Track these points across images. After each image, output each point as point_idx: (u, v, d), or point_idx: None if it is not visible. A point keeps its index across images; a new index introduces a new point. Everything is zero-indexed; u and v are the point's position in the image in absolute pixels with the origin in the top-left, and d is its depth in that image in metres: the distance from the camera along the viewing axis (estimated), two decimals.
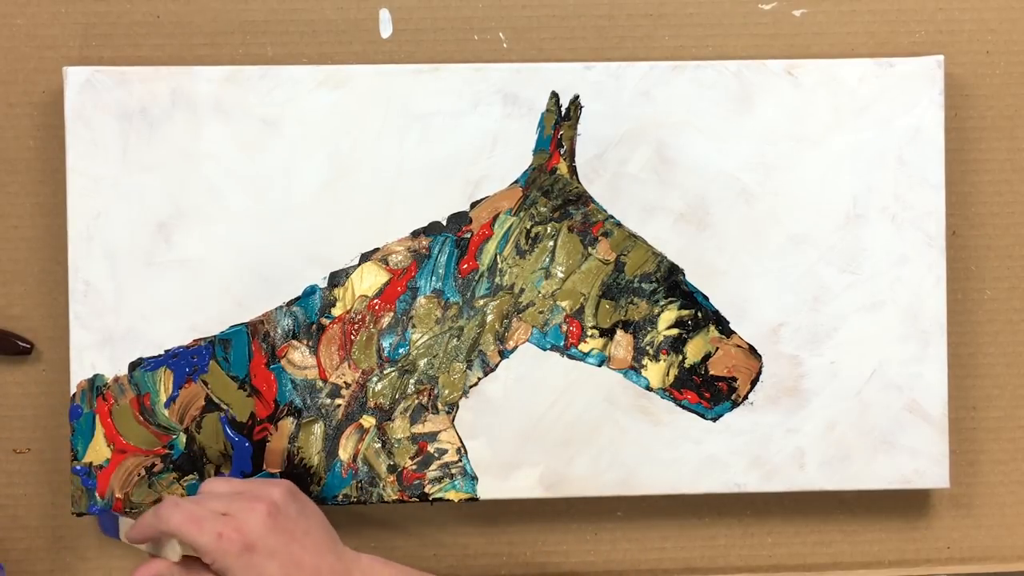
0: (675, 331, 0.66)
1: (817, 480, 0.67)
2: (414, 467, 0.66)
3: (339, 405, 0.65)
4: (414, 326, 0.65)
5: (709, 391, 0.66)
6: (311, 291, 0.65)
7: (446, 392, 0.66)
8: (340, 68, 0.65)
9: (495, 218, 0.66)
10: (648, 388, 0.66)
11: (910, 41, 0.69)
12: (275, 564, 0.55)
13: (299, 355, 0.65)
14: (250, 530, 0.55)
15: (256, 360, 0.65)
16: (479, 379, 0.66)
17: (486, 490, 0.66)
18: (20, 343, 0.67)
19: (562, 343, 0.66)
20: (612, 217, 0.66)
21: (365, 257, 0.65)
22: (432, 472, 0.66)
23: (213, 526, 0.55)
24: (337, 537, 0.60)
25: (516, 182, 0.66)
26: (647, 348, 0.66)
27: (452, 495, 0.66)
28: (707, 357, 0.66)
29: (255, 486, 0.59)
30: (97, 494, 0.65)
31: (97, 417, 0.65)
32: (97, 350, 0.64)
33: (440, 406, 0.66)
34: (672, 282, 0.66)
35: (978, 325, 0.70)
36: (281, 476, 0.65)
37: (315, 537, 0.58)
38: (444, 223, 0.66)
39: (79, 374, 0.64)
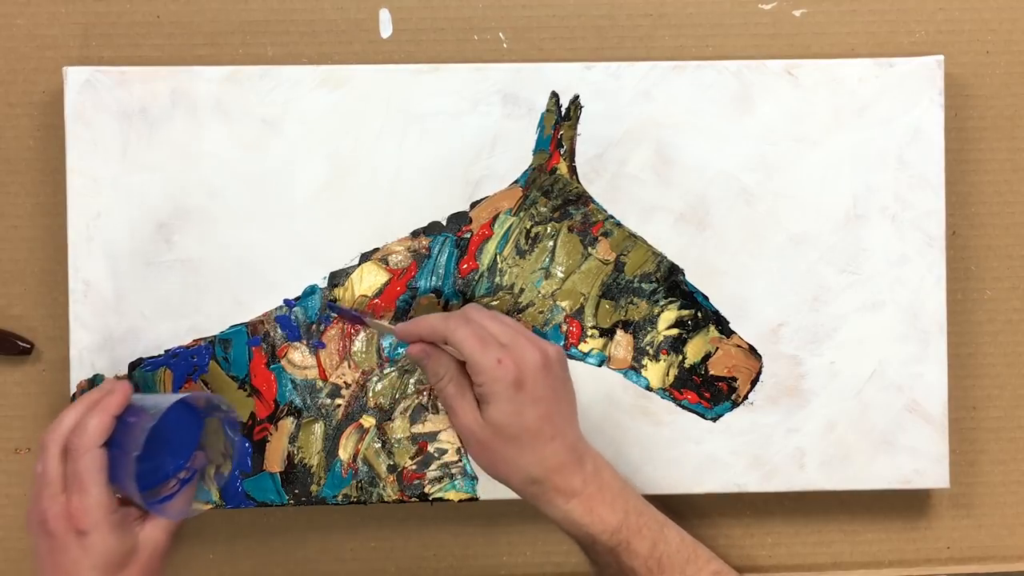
0: (675, 331, 0.66)
1: (817, 480, 0.67)
2: (414, 467, 0.66)
3: (339, 405, 0.65)
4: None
5: (709, 391, 0.66)
6: (311, 291, 0.65)
7: None
8: (340, 68, 0.65)
9: (495, 218, 0.66)
10: (648, 388, 0.66)
11: (910, 41, 0.69)
12: (536, 410, 0.56)
13: (299, 355, 0.65)
14: (526, 368, 0.56)
15: (256, 360, 0.65)
16: None
17: (486, 490, 0.66)
18: (20, 343, 0.67)
19: (562, 343, 0.66)
20: (612, 217, 0.66)
21: (365, 257, 0.65)
22: (432, 472, 0.66)
23: (496, 351, 0.56)
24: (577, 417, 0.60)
25: (516, 182, 0.66)
26: (647, 348, 0.66)
27: (452, 495, 0.66)
28: (707, 357, 0.66)
29: (534, 336, 0.59)
30: None
31: None
32: (97, 350, 0.64)
33: (440, 406, 0.66)
34: (672, 282, 0.66)
35: (978, 325, 0.70)
36: (281, 476, 0.65)
37: (570, 406, 0.59)
38: (444, 223, 0.66)
39: (79, 374, 0.64)
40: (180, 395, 0.59)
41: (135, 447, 0.55)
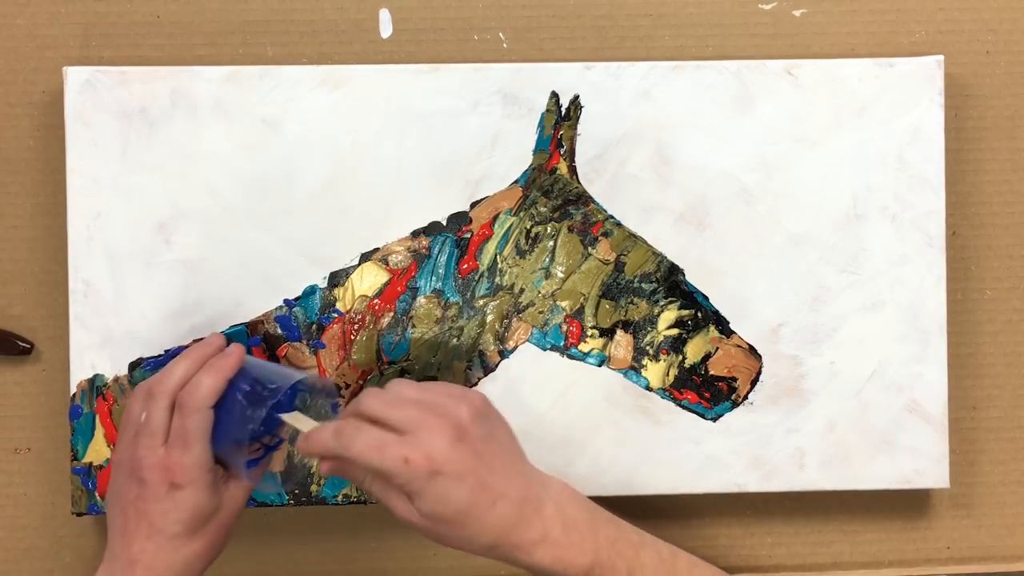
0: (675, 331, 0.66)
1: (817, 480, 0.67)
2: None
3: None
4: (414, 326, 0.65)
5: (709, 391, 0.66)
6: (311, 291, 0.65)
7: None
8: (340, 68, 0.65)
9: (495, 218, 0.66)
10: (648, 388, 0.66)
11: (910, 41, 0.69)
12: (463, 488, 0.52)
13: (299, 355, 0.65)
14: (436, 453, 0.52)
15: None
16: (479, 379, 0.66)
17: None
18: (20, 343, 0.67)
19: (562, 343, 0.66)
20: (612, 217, 0.66)
21: (365, 257, 0.65)
22: None
23: (398, 451, 0.52)
24: (526, 458, 0.57)
25: (516, 182, 0.66)
26: (647, 348, 0.66)
27: None
28: (707, 357, 0.66)
29: (443, 399, 0.54)
30: (97, 494, 0.65)
31: (97, 417, 0.65)
32: (97, 350, 0.64)
33: None
34: (672, 282, 0.66)
35: (978, 325, 0.70)
36: (281, 476, 0.65)
37: (503, 459, 0.54)
38: (444, 223, 0.66)
39: (79, 374, 0.64)
40: (298, 375, 0.58)
41: (254, 420, 0.55)
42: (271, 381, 0.57)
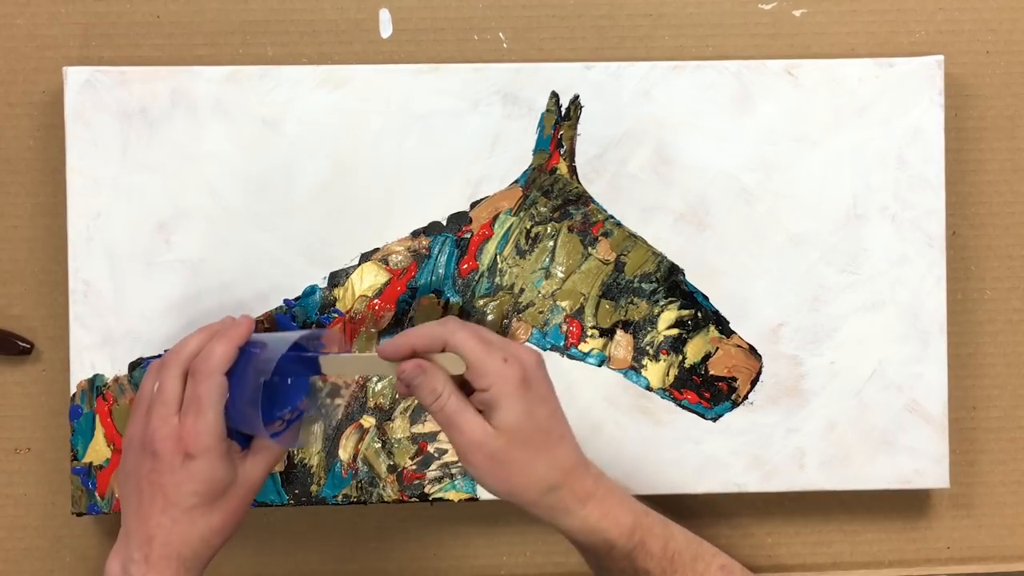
0: (675, 331, 0.66)
1: (817, 480, 0.67)
2: (414, 467, 0.66)
3: (339, 405, 0.65)
4: (414, 326, 0.65)
5: (709, 391, 0.66)
6: (311, 291, 0.65)
7: None
8: (340, 68, 0.65)
9: (495, 218, 0.66)
10: (648, 388, 0.66)
11: (910, 41, 0.69)
12: (546, 408, 0.54)
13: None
14: (529, 367, 0.54)
15: None
16: None
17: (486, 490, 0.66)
18: (20, 343, 0.67)
19: (562, 343, 0.66)
20: (612, 217, 0.66)
21: (365, 257, 0.65)
22: (432, 472, 0.66)
23: (499, 351, 0.54)
24: None
25: (516, 182, 0.66)
26: (647, 348, 0.66)
27: (452, 495, 0.66)
28: (707, 357, 0.66)
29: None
30: (97, 494, 0.65)
31: (97, 417, 0.65)
32: (97, 350, 0.64)
33: None
34: (672, 282, 0.66)
35: (978, 325, 0.70)
36: (281, 476, 0.65)
37: (562, 409, 0.57)
38: (444, 223, 0.66)
39: (79, 374, 0.64)
40: (301, 331, 0.59)
41: (264, 372, 0.55)
42: (285, 340, 0.57)
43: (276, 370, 0.55)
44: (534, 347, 0.58)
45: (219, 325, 0.58)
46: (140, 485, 0.54)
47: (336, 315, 0.65)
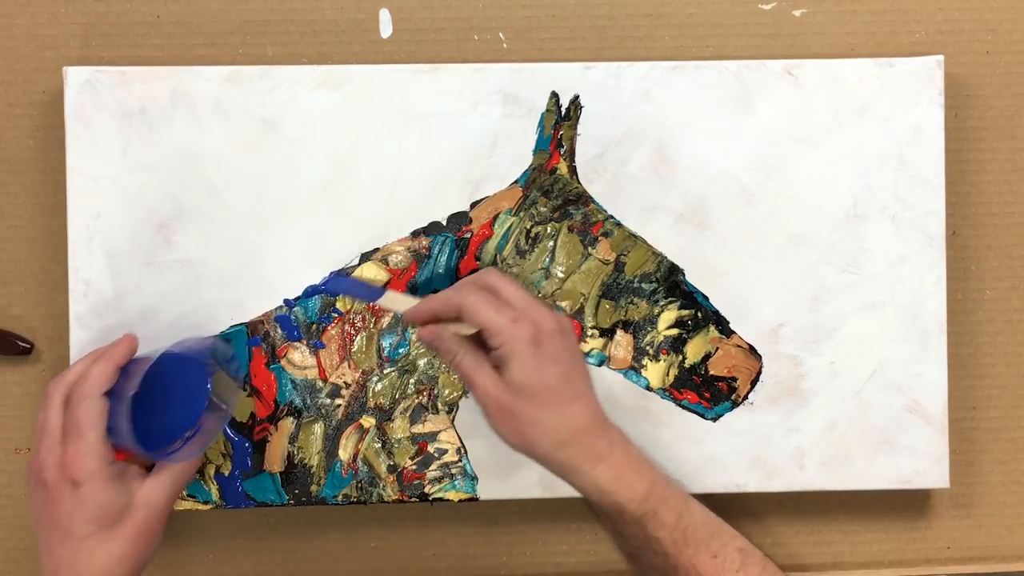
0: (675, 331, 0.66)
1: (817, 480, 0.67)
2: (414, 467, 0.66)
3: (339, 405, 0.65)
4: (414, 326, 0.65)
5: (709, 391, 0.66)
6: (311, 291, 0.65)
7: (446, 392, 0.66)
8: (340, 68, 0.65)
9: (495, 218, 0.66)
10: (648, 388, 0.66)
11: (910, 41, 0.69)
12: (556, 368, 0.55)
13: (299, 355, 0.65)
14: (542, 327, 0.55)
15: (256, 360, 0.65)
16: None
17: (486, 490, 0.66)
18: (20, 343, 0.67)
19: None
20: (612, 217, 0.66)
21: (365, 257, 0.65)
22: (432, 472, 0.66)
23: (510, 312, 0.55)
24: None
25: (516, 182, 0.66)
26: (647, 348, 0.66)
27: (452, 495, 0.66)
28: (707, 357, 0.66)
29: (545, 304, 0.58)
30: None
31: None
32: None
33: (440, 406, 0.66)
34: (672, 282, 0.66)
35: (978, 325, 0.70)
36: (281, 476, 0.65)
37: (586, 372, 0.58)
38: (444, 223, 0.66)
39: None
40: (180, 343, 0.59)
41: (131, 388, 0.54)
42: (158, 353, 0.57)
43: (167, 384, 0.55)
44: (565, 315, 0.59)
45: (104, 347, 0.58)
46: (41, 518, 0.54)
47: (336, 315, 0.65)
